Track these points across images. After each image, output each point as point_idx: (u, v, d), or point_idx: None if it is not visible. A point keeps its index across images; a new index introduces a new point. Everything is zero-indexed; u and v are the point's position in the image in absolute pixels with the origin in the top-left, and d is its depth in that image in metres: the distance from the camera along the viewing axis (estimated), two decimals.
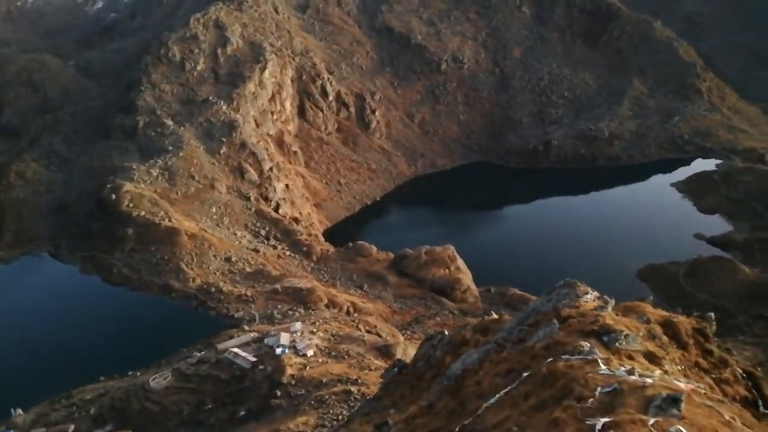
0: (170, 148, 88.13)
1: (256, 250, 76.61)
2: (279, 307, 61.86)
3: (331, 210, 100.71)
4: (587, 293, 13.74)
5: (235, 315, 61.20)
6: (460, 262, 75.14)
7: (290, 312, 60.09)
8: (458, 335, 18.43)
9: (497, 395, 10.19)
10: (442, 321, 61.65)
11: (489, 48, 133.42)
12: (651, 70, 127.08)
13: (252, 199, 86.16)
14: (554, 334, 11.52)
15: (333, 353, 45.69)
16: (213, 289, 65.84)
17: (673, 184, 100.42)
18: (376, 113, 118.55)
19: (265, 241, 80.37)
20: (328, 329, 50.73)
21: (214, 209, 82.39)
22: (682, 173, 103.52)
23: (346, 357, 45.11)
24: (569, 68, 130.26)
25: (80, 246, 77.93)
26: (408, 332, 58.96)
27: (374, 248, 79.72)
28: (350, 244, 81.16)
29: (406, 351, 45.74)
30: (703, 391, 9.92)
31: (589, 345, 10.44)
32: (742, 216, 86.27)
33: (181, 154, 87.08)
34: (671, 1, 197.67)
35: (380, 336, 52.90)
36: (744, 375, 12.78)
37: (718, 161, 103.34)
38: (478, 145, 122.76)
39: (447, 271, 73.90)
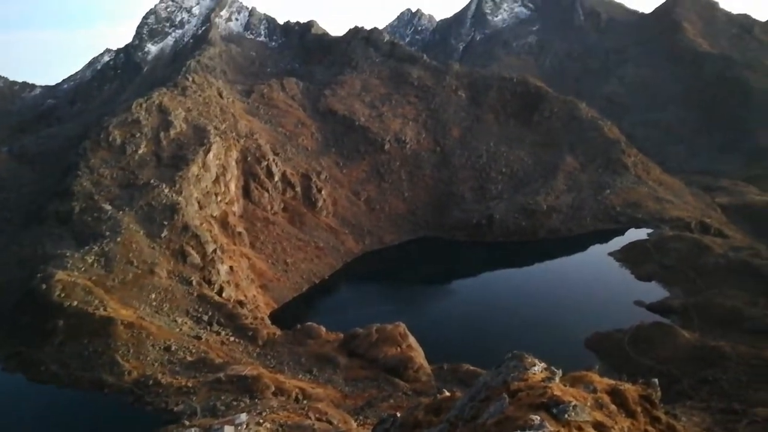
0: (108, 233, 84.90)
1: (198, 337, 73.01)
2: (222, 397, 58.23)
3: (278, 291, 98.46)
4: (535, 365, 13.71)
5: (175, 409, 57.03)
6: (412, 339, 74.04)
7: (234, 402, 56.63)
8: (411, 417, 17.80)
9: None
10: (395, 403, 59.57)
11: (429, 128, 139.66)
12: (581, 147, 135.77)
13: (194, 283, 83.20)
14: (505, 408, 11.31)
15: None
16: (150, 382, 61.53)
17: (610, 254, 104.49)
18: (323, 192, 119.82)
19: (208, 327, 76.90)
20: (275, 419, 47.94)
21: (153, 295, 78.72)
22: (618, 243, 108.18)
23: None
24: (505, 146, 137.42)
25: (6, 342, 72.04)
26: (361, 417, 56.54)
27: (323, 329, 77.64)
28: (298, 326, 78.74)
29: None
30: None
31: (539, 418, 10.29)
32: (675, 281, 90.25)
33: (119, 239, 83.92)
34: (592, 84, 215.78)
35: (331, 423, 50.38)
36: None
37: (650, 230, 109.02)
38: (424, 221, 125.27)
39: (399, 349, 72.41)
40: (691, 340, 70.65)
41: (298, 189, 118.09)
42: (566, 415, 10.47)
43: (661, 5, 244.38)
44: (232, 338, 75.54)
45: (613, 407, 12.37)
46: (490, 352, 58.66)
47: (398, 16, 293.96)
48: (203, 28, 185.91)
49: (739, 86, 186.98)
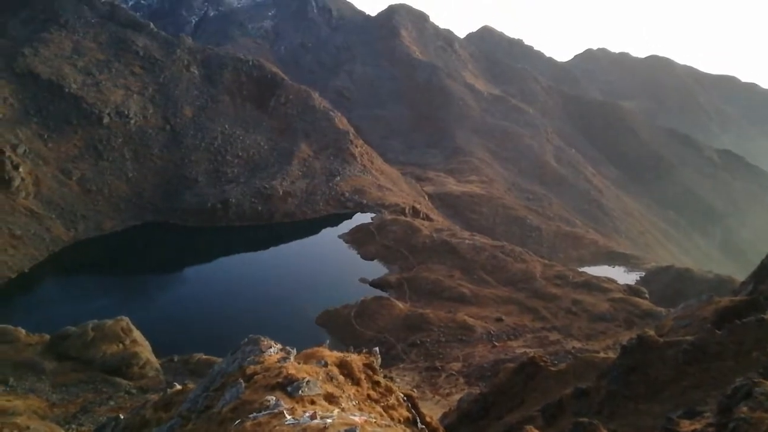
0: None
1: None
2: None
3: None
4: (271, 347, 13.83)
5: None
6: (137, 334, 67.88)
7: None
8: (137, 417, 16.26)
9: None
10: (117, 405, 54.01)
11: (158, 104, 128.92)
12: (314, 135, 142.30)
13: None
14: (240, 394, 11.14)
15: None
16: None
17: (340, 236, 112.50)
18: (20, 169, 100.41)
19: None
20: None
21: None
22: (347, 226, 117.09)
23: None
24: (241, 129, 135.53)
25: None
26: (74, 426, 49.77)
27: (23, 331, 65.59)
28: None
29: None
30: (374, 420, 10.89)
31: (275, 398, 10.41)
32: (394, 259, 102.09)
33: None
34: (324, 76, 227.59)
35: None
36: (405, 398, 14.53)
37: (373, 214, 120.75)
38: (152, 204, 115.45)
39: (121, 346, 65.64)
40: (404, 309, 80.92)
41: None
42: (300, 392, 10.83)
43: (383, 11, 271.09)
44: None
45: (341, 378, 13.18)
46: (226, 339, 57.63)
47: None
48: None
49: (442, 92, 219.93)
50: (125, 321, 68.45)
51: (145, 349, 66.74)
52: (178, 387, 18.90)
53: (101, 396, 58.02)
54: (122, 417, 17.27)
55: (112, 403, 55.31)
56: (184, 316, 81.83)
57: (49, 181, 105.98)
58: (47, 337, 66.19)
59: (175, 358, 68.47)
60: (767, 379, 16.03)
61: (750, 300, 32.87)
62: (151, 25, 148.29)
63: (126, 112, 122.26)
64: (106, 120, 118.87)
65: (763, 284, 36.14)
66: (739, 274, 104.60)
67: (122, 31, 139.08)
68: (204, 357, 66.44)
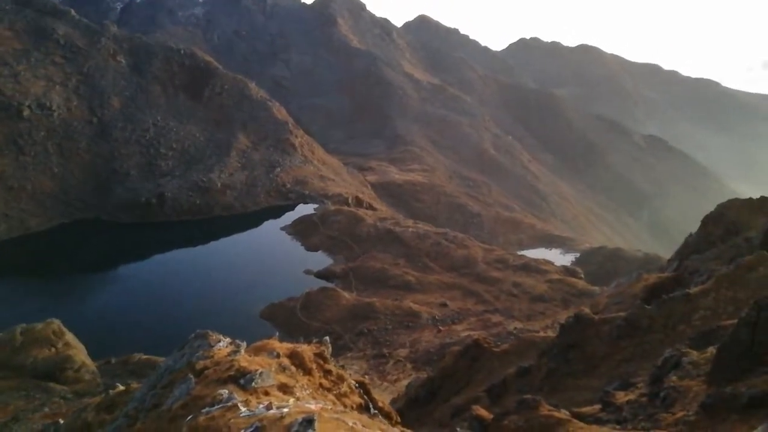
0: None
1: None
2: None
3: None
4: (220, 341, 13.57)
5: None
6: (70, 336, 64.60)
7: None
8: (78, 420, 15.60)
9: None
10: (51, 411, 51.41)
11: (83, 95, 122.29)
12: (252, 126, 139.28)
13: None
14: (191, 389, 10.89)
15: None
16: None
17: (282, 228, 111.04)
18: None
19: None
20: None
21: None
22: (289, 217, 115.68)
23: None
24: (175, 120, 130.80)
25: None
26: None
27: None
28: None
29: None
30: (329, 407, 10.95)
31: (227, 392, 10.25)
32: (338, 250, 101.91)
33: None
34: (260, 65, 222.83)
35: None
36: (357, 385, 14.67)
37: (316, 205, 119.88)
38: (80, 201, 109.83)
39: (53, 350, 62.37)
40: (351, 299, 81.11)
41: None
42: (253, 383, 10.72)
43: None
44: None
45: (293, 368, 13.14)
46: (167, 338, 56.04)
47: None
48: None
49: (382, 81, 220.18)
50: (56, 324, 64.96)
51: (79, 352, 63.68)
52: (121, 387, 18.27)
53: (34, 403, 55.00)
54: (62, 422, 16.51)
55: (46, 409, 52.51)
56: (120, 317, 78.59)
57: None
58: None
59: (113, 360, 65.80)
60: (694, 350, 17.25)
61: (676, 276, 35.14)
62: (72, 11, 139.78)
63: (48, 104, 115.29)
64: (26, 113, 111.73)
65: (687, 261, 38.66)
66: (666, 252, 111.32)
67: (40, 18, 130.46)
68: (144, 357, 64.19)
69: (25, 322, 64.58)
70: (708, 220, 41.80)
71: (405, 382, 50.99)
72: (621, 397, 17.62)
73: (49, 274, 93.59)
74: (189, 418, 9.81)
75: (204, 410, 9.82)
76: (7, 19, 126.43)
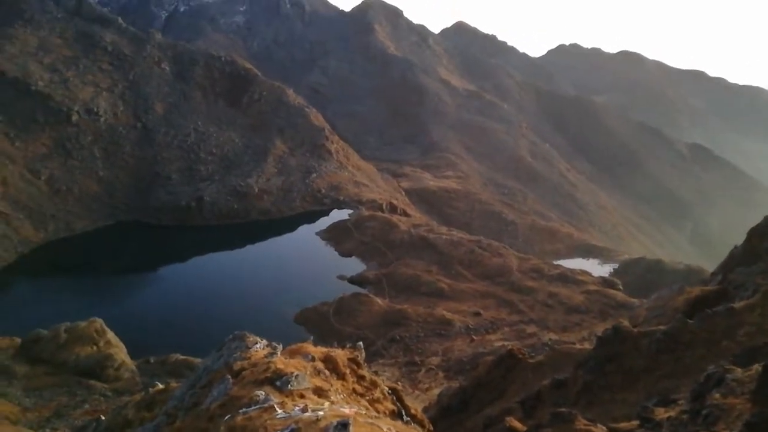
0: None
1: None
2: None
3: None
4: (257, 343, 13.84)
5: None
6: (111, 335, 66.68)
7: None
8: (119, 417, 16.10)
9: None
10: (92, 408, 53.07)
11: (128, 101, 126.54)
12: (289, 131, 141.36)
13: None
14: (229, 390, 11.15)
15: None
16: None
17: (317, 233, 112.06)
18: None
19: None
20: None
21: None
22: (324, 223, 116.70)
23: None
24: (215, 126, 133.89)
25: None
26: (47, 430, 48.84)
27: None
28: None
29: None
30: (363, 412, 11.04)
31: (264, 393, 10.46)
32: (371, 256, 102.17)
33: None
34: (298, 73, 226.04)
35: None
36: (390, 392, 14.72)
37: (350, 211, 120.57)
38: (124, 204, 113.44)
39: (95, 348, 64.42)
40: (383, 306, 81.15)
41: None
42: (289, 386, 10.89)
43: (356, 6, 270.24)
44: None
45: (327, 372, 13.28)
46: (203, 340, 57.15)
47: None
48: None
49: (417, 88, 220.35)
50: (99, 322, 67.10)
51: (120, 351, 65.57)
52: (161, 386, 18.76)
53: (75, 399, 56.88)
54: (103, 418, 17.06)
55: (87, 406, 54.26)
56: (159, 317, 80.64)
57: (16, 181, 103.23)
58: (18, 340, 64.57)
59: (152, 360, 67.45)
60: (738, 366, 16.64)
61: (719, 290, 33.91)
62: (120, 20, 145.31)
63: (95, 110, 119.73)
64: (74, 118, 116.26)
65: (731, 274, 37.31)
66: (709, 264, 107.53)
67: (89, 26, 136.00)
68: (181, 357, 65.62)
69: (69, 320, 66.98)
70: (754, 233, 40.24)
71: (437, 391, 50.63)
72: (661, 413, 17.12)
73: (93, 274, 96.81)
74: (227, 417, 10.04)
75: (241, 410, 10.04)
76: (58, 28, 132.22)
